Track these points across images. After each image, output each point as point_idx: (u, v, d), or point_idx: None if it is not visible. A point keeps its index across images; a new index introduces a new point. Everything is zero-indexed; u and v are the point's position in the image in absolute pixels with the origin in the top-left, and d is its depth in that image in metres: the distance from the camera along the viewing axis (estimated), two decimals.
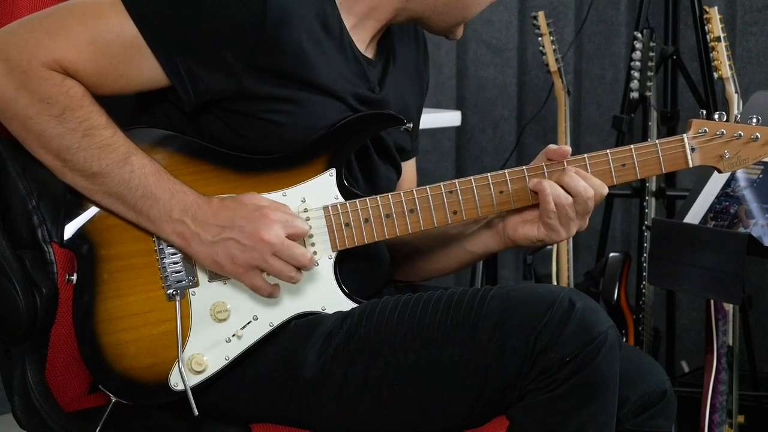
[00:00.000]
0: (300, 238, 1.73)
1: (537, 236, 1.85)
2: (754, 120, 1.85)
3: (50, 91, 1.66)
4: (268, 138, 1.75)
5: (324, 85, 1.76)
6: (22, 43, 1.66)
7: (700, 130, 1.83)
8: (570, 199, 1.79)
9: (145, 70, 1.70)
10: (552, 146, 1.82)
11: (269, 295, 1.73)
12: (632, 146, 1.82)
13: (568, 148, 1.80)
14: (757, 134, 1.84)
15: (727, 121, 1.85)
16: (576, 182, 1.78)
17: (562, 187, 1.79)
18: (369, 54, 1.86)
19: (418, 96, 2.00)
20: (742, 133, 1.84)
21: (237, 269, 1.71)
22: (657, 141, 1.82)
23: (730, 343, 2.76)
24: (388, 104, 1.86)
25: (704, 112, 1.87)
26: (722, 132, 1.84)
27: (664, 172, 1.84)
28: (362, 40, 1.84)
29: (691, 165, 1.84)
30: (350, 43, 1.81)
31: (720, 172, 1.86)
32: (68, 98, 1.67)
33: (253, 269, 1.71)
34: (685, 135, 1.83)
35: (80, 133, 1.68)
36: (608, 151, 1.81)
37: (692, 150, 1.83)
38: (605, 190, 1.81)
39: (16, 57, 1.66)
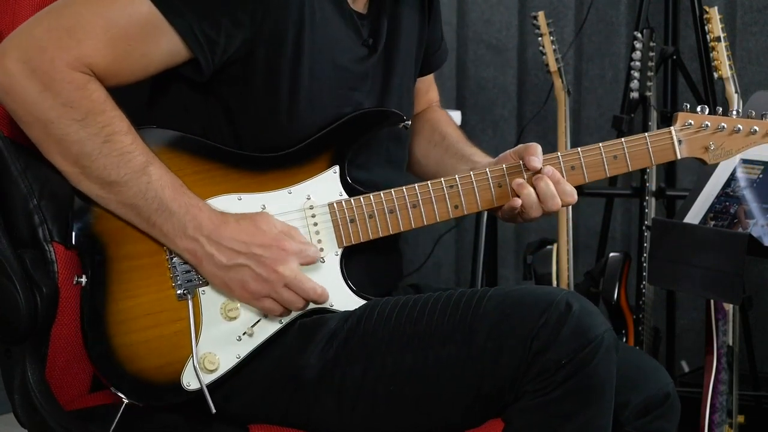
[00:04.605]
0: (311, 264, 1.74)
1: (496, 214, 1.89)
2: (734, 113, 1.90)
3: (73, 94, 1.66)
4: (269, 115, 1.76)
5: (321, 51, 1.77)
6: (44, 43, 1.66)
7: (686, 123, 1.89)
8: (539, 210, 1.83)
9: (164, 44, 1.70)
10: (530, 151, 1.83)
11: (280, 315, 1.74)
12: (623, 139, 1.87)
13: (538, 165, 1.82)
14: (740, 126, 1.90)
15: (709, 113, 1.90)
16: (546, 191, 1.82)
17: (536, 189, 1.82)
18: (359, 9, 1.87)
19: (417, 42, 1.99)
20: (725, 125, 1.90)
21: (246, 295, 1.72)
22: (646, 134, 1.87)
23: (730, 343, 2.76)
24: (380, 62, 1.88)
25: (688, 105, 1.92)
26: (707, 124, 1.89)
27: (654, 164, 1.89)
28: None
29: (679, 156, 1.89)
30: (342, 0, 1.82)
31: (705, 163, 1.92)
32: (91, 102, 1.67)
33: (264, 297, 1.72)
34: (672, 128, 1.88)
35: (101, 138, 1.68)
36: (600, 144, 1.86)
37: (679, 142, 1.88)
38: (573, 198, 1.84)
39: (38, 58, 1.65)
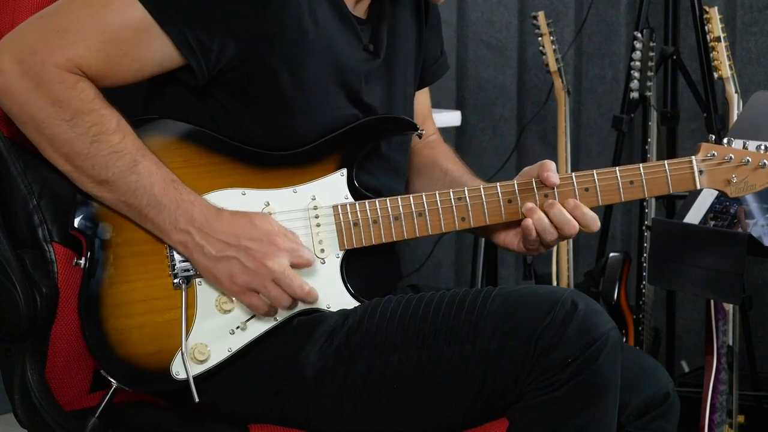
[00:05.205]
0: (304, 267, 1.74)
1: (516, 249, 1.88)
2: (763, 147, 1.86)
3: (63, 94, 1.67)
4: (269, 119, 1.76)
5: (321, 56, 1.77)
6: (35, 45, 1.67)
7: (708, 154, 1.85)
8: (555, 233, 1.81)
9: (157, 50, 1.70)
10: (546, 168, 1.81)
11: (266, 314, 1.74)
12: (641, 165, 1.84)
13: (557, 180, 1.81)
14: (765, 161, 1.85)
15: (735, 146, 1.86)
16: (561, 218, 1.80)
17: (549, 218, 1.80)
18: (359, 14, 1.86)
19: (415, 49, 1.98)
20: (750, 159, 1.85)
21: (234, 288, 1.72)
22: (665, 162, 1.84)
23: (730, 343, 2.76)
24: (381, 68, 1.87)
25: (713, 137, 1.89)
26: (730, 157, 1.85)
27: (671, 192, 1.85)
28: (351, 0, 1.85)
29: (698, 187, 1.85)
30: (341, 4, 1.82)
31: (727, 196, 1.87)
32: (80, 101, 1.68)
33: (251, 291, 1.72)
34: (693, 158, 1.85)
35: (89, 138, 1.68)
36: (617, 168, 1.83)
37: (700, 173, 1.85)
38: (596, 226, 1.82)
39: (29, 59, 1.66)
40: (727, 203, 2.22)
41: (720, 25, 2.91)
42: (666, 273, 2.26)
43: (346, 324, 1.75)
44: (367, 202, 1.79)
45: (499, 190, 1.82)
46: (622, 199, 1.84)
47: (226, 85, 1.75)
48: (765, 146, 1.87)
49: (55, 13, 1.70)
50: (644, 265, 3.21)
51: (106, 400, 1.74)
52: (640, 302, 3.26)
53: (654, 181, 1.83)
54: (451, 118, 3.51)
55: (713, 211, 2.23)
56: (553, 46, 3.38)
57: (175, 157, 1.75)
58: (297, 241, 1.74)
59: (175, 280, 1.74)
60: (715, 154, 1.85)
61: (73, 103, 1.67)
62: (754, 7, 3.51)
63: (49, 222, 1.76)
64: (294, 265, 1.72)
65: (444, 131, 3.91)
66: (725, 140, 1.87)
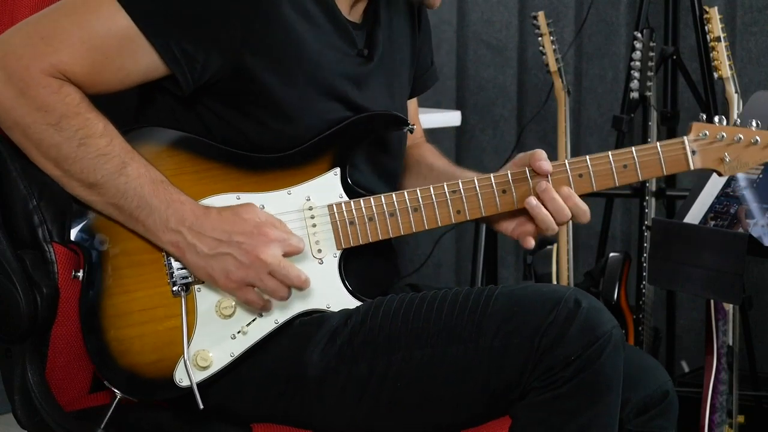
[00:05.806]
0: (295, 255, 1.73)
1: (510, 233, 1.89)
2: (754, 123, 1.85)
3: (48, 99, 1.67)
4: (263, 126, 1.76)
5: (313, 63, 1.76)
6: (20, 50, 1.67)
7: (700, 134, 1.84)
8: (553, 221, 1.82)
9: (142, 59, 1.70)
10: (537, 157, 1.81)
11: (262, 309, 1.74)
12: (633, 148, 1.83)
13: (549, 168, 1.81)
14: (758, 138, 1.84)
15: (727, 124, 1.86)
16: (554, 204, 1.80)
17: (547, 206, 1.81)
18: (354, 19, 1.86)
19: (410, 54, 1.98)
20: (742, 137, 1.84)
21: (231, 285, 1.72)
22: (658, 143, 1.83)
23: (730, 343, 2.76)
24: (377, 72, 1.86)
25: (704, 116, 1.88)
26: (722, 135, 1.84)
27: (665, 174, 1.85)
28: (346, 6, 1.84)
29: (692, 167, 1.84)
30: (335, 9, 1.81)
31: (720, 175, 1.87)
32: (65, 106, 1.67)
33: (247, 286, 1.72)
34: (685, 138, 1.84)
35: (76, 142, 1.68)
36: (610, 152, 1.83)
37: (693, 153, 1.84)
38: (586, 218, 1.83)
39: (14, 65, 1.66)
40: (727, 203, 2.22)
41: (720, 25, 2.90)
42: (666, 273, 2.26)
43: (348, 324, 1.75)
44: (362, 200, 1.79)
45: (493, 181, 1.82)
46: (617, 183, 1.83)
47: (218, 94, 1.75)
48: (757, 123, 1.86)
49: (41, 19, 1.70)
50: (644, 265, 3.21)
51: (110, 411, 1.73)
52: (640, 302, 3.26)
53: (647, 163, 1.83)
54: (451, 118, 3.51)
55: (713, 211, 2.23)
56: (553, 46, 3.38)
57: (166, 165, 1.74)
58: (286, 229, 1.74)
59: (174, 288, 1.74)
60: (707, 133, 1.84)
61: (58, 107, 1.67)
62: (754, 7, 3.51)
63: (49, 222, 1.76)
64: (286, 254, 1.72)
65: (444, 131, 3.94)
66: (716, 118, 1.85)
